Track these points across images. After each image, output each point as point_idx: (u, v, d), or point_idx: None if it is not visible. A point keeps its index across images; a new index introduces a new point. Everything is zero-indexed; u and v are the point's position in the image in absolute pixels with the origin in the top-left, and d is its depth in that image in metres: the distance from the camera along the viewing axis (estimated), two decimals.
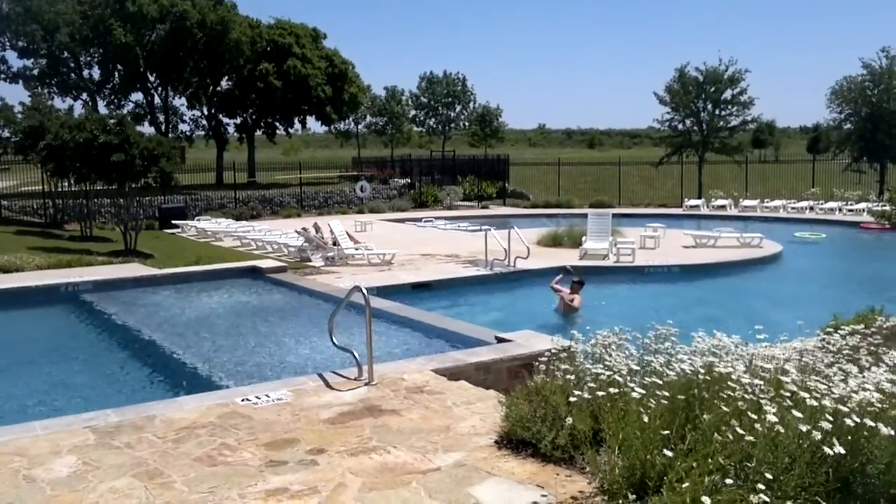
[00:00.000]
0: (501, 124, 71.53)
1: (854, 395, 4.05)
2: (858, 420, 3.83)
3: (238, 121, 45.97)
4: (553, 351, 6.17)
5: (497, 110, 70.16)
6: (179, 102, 44.89)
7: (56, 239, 21.57)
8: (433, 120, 68.95)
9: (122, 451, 5.55)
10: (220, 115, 45.30)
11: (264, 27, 43.18)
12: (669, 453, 3.96)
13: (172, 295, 13.49)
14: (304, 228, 19.42)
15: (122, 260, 16.92)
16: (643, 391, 4.50)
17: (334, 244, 18.03)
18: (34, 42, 36.08)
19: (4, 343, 11.07)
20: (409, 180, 39.75)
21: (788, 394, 4.17)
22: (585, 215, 19.93)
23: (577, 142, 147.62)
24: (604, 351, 5.75)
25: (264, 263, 15.65)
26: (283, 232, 21.08)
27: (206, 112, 45.16)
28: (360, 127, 68.35)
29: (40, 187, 27.86)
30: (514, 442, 5.36)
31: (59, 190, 26.23)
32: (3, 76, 38.45)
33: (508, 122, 75.52)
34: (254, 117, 45.53)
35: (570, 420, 5.02)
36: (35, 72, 39.14)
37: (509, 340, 8.39)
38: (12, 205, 28.39)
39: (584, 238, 18.07)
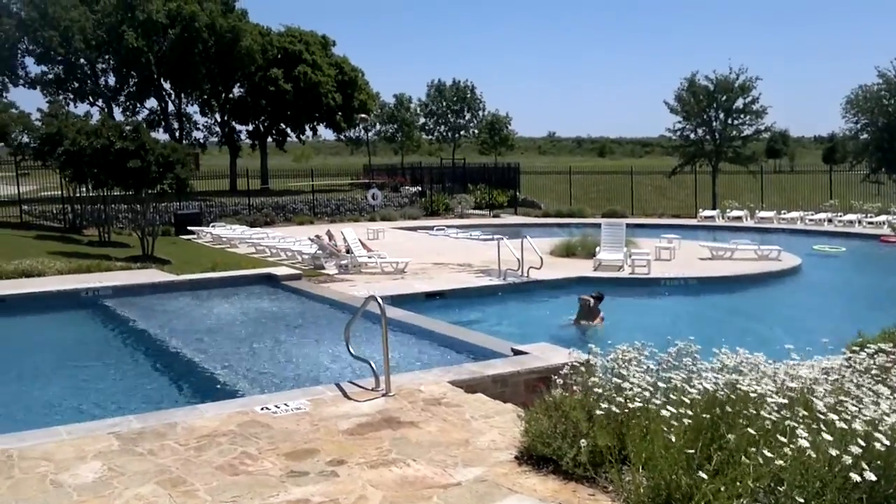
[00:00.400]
0: (511, 132, 71.54)
1: (886, 417, 4.00)
2: (890, 444, 3.80)
3: (250, 127, 46.31)
4: (572, 365, 6.16)
5: (506, 118, 70.22)
6: (193, 109, 45.38)
7: (75, 244, 21.74)
8: (443, 127, 69.09)
9: (145, 457, 5.60)
10: (233, 122, 45.66)
11: (275, 35, 43.55)
12: (703, 475, 3.91)
13: (190, 301, 13.60)
14: (317, 236, 19.51)
15: (140, 265, 17.05)
16: (671, 409, 4.48)
17: (347, 252, 18.10)
18: (51, 48, 36.45)
19: (28, 347, 11.25)
20: (420, 188, 39.84)
21: (818, 415, 4.13)
22: (598, 225, 19.78)
23: (588, 150, 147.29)
24: (623, 366, 5.73)
25: (279, 271, 15.73)
26: (296, 239, 21.17)
27: (218, 119, 45.52)
28: (369, 134, 68.60)
29: (59, 192, 28.15)
30: (534, 458, 5.33)
31: (78, 195, 26.46)
32: (21, 82, 38.89)
33: (518, 130, 75.52)
34: (266, 124, 45.84)
35: (588, 438, 4.96)
36: (51, 76, 39.58)
37: (526, 353, 8.35)
38: (33, 209, 28.69)
39: (597, 249, 17.96)
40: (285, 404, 6.80)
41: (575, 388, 5.85)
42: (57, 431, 6.15)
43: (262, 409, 6.69)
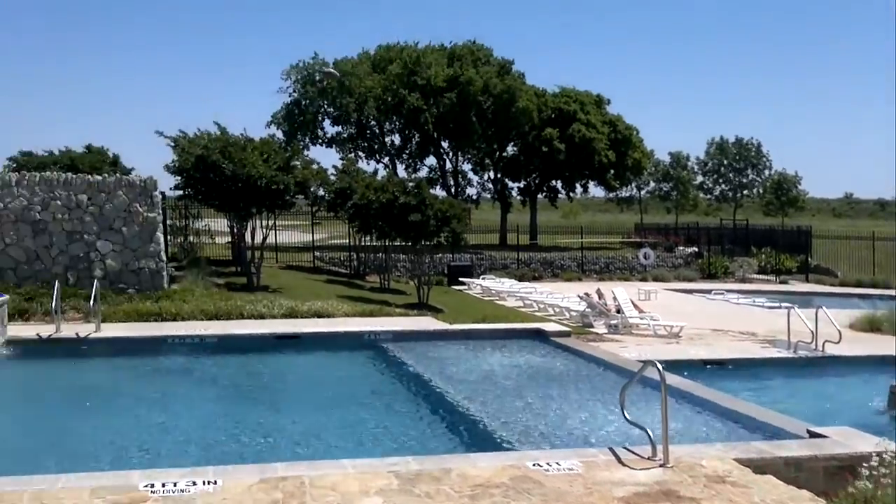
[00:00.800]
0: (800, 192, 66.42)
1: None
2: None
3: (522, 184, 47.77)
4: (881, 455, 5.35)
5: (795, 177, 65.40)
6: (467, 167, 48.02)
7: (359, 289, 23.64)
8: (723, 186, 66.00)
9: (422, 499, 5.72)
10: (505, 179, 47.45)
11: (549, 96, 44.85)
12: None
13: (461, 350, 14.01)
14: (586, 294, 19.33)
15: (416, 313, 18.00)
16: None
17: (618, 311, 17.67)
18: (347, 112, 40.91)
19: (319, 382, 12.32)
20: (697, 249, 38.15)
21: None
22: None
23: (893, 213, 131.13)
24: None
25: (548, 327, 15.70)
26: (564, 295, 21.13)
27: (491, 176, 47.60)
28: (642, 192, 67.45)
29: (346, 241, 30.99)
30: None
31: (363, 244, 28.90)
32: (319, 141, 44.03)
33: (808, 190, 69.78)
34: (537, 181, 47.01)
35: None
36: (345, 136, 44.31)
37: (825, 436, 7.44)
38: (323, 255, 31.88)
39: None
40: (557, 463, 6.65)
41: (883, 480, 5.09)
42: (342, 464, 6.51)
43: (533, 464, 6.60)
